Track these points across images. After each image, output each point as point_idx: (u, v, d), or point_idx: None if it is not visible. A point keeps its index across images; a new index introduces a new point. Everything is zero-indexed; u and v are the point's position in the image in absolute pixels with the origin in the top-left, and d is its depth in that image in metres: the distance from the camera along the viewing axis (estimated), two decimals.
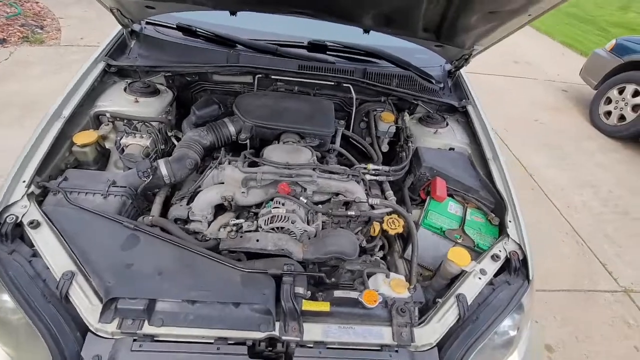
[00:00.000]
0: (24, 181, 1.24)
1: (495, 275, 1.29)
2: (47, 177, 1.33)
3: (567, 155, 4.24)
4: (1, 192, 1.20)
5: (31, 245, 1.15)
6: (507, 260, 1.32)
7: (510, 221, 1.41)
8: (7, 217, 1.16)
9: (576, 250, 3.02)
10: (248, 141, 1.67)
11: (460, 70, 2.06)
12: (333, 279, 1.31)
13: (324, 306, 1.10)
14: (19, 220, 1.16)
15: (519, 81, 5.91)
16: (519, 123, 4.66)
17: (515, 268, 1.29)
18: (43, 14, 5.54)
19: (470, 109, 1.91)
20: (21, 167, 1.27)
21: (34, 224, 1.15)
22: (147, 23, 1.97)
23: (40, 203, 1.25)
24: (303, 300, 1.10)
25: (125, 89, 1.73)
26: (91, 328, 1.01)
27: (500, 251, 1.33)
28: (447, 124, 1.91)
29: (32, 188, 1.25)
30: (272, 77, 1.87)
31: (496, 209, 1.55)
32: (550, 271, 2.75)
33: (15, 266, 1.08)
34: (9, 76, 4.05)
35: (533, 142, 4.35)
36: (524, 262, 1.31)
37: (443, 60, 2.10)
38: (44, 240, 1.14)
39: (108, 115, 1.61)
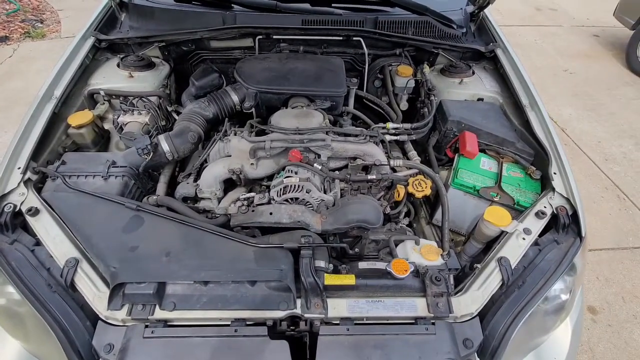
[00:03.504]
0: (19, 168, 1.17)
1: (541, 234, 1.14)
2: (44, 163, 1.25)
3: (601, 105, 3.88)
4: None
5: (34, 234, 1.08)
6: (554, 217, 1.16)
7: (555, 173, 1.23)
8: (4, 206, 1.09)
9: (618, 206, 2.79)
10: (253, 110, 1.54)
11: (485, 11, 1.82)
12: (357, 249, 1.19)
13: (348, 279, 0.99)
14: (17, 209, 1.09)
15: (544, 30, 5.41)
16: (546, 75, 4.28)
17: (564, 225, 1.13)
18: (42, 8, 5.46)
19: (499, 52, 1.68)
20: (14, 154, 1.19)
21: (33, 211, 1.09)
22: None
23: (40, 190, 1.18)
24: (325, 274, 1.00)
25: (118, 65, 1.61)
26: (101, 316, 0.95)
27: (545, 207, 1.17)
28: (473, 72, 1.70)
29: (28, 174, 1.18)
30: (274, 37, 1.70)
31: (537, 161, 1.37)
32: (591, 230, 2.55)
33: (18, 256, 1.02)
34: (15, 73, 4.02)
35: (563, 94, 4.00)
36: (574, 217, 1.14)
37: (463, 1, 1.86)
38: (44, 227, 1.07)
39: (102, 93, 1.50)
